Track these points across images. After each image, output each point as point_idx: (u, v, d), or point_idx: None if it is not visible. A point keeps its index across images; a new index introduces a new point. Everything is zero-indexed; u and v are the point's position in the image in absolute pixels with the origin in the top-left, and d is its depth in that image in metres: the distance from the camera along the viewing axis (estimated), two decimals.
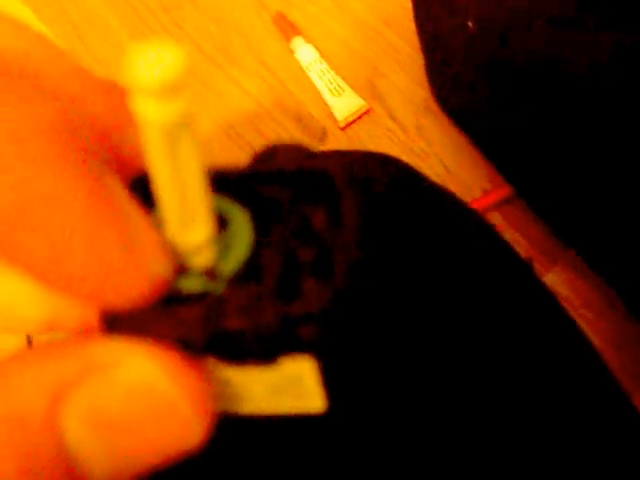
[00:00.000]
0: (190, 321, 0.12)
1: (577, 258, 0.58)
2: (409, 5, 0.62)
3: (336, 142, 0.65)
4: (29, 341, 0.54)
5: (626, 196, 0.45)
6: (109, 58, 0.73)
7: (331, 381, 0.14)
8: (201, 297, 0.12)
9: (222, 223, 0.13)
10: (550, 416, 0.28)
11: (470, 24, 0.54)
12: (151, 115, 0.10)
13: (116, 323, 0.12)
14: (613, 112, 0.43)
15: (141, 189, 0.13)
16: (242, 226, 0.13)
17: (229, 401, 0.14)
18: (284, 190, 0.13)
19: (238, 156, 0.65)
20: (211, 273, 0.13)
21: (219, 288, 0.12)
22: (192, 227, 0.12)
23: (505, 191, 0.61)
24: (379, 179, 0.32)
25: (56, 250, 0.11)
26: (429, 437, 0.27)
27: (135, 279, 0.12)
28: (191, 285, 0.13)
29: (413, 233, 0.30)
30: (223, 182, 0.13)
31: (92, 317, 0.13)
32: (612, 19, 0.41)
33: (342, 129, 0.66)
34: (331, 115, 0.66)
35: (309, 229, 0.13)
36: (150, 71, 0.10)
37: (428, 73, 0.64)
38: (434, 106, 0.65)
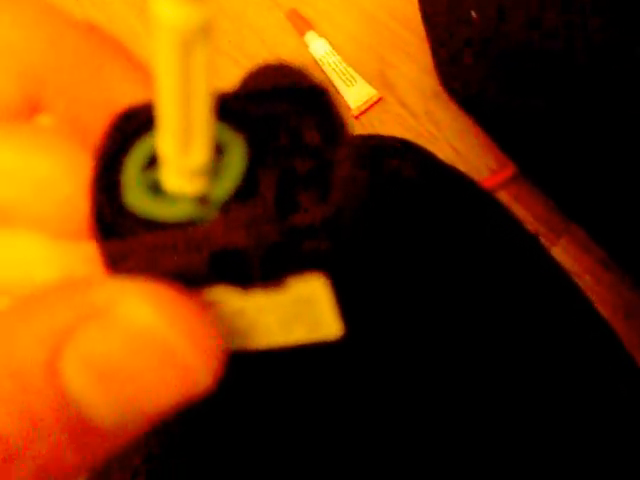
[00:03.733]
0: (190, 245, 0.12)
1: (581, 232, 0.60)
2: None
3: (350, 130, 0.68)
4: None
5: (628, 170, 0.47)
6: None
7: (345, 301, 0.13)
8: (192, 224, 0.12)
9: (216, 148, 0.12)
10: (560, 382, 0.29)
11: (474, 13, 0.56)
12: (172, 18, 0.10)
13: (118, 262, 0.12)
14: (613, 91, 0.45)
15: (134, 123, 0.13)
16: (235, 151, 0.12)
17: (240, 336, 0.14)
18: (275, 107, 0.13)
19: None
20: (203, 199, 0.12)
21: (210, 214, 0.12)
22: (192, 149, 0.12)
23: (511, 170, 0.64)
24: (398, 161, 0.35)
25: None
26: (444, 365, 0.28)
27: None
28: (180, 211, 0.12)
29: (425, 208, 0.33)
30: (215, 104, 0.12)
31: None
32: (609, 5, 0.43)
33: (356, 117, 0.69)
34: (345, 104, 0.70)
35: (303, 144, 0.12)
36: None
37: (435, 62, 0.67)
38: (442, 92, 0.69)
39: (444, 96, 0.68)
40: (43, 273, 0.13)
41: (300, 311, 0.13)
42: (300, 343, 0.14)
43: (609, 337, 0.33)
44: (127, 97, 0.13)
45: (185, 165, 0.12)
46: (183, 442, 0.27)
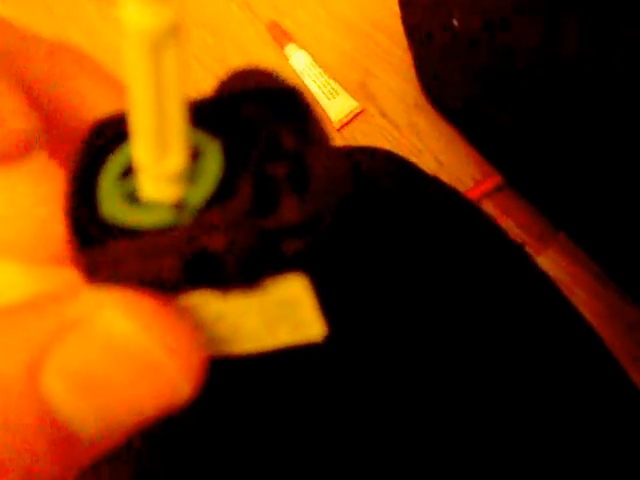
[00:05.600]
0: (165, 249, 0.12)
1: (568, 242, 0.60)
2: (397, 8, 0.65)
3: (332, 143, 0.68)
4: None
5: (614, 176, 0.47)
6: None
7: (327, 302, 0.13)
8: (168, 230, 0.12)
9: (192, 154, 0.12)
10: (547, 393, 0.29)
11: (455, 22, 0.56)
12: (140, 20, 0.10)
13: (95, 271, 0.12)
14: (598, 99, 0.45)
15: (113, 131, 0.13)
16: (211, 156, 0.12)
17: (223, 342, 0.14)
18: (250, 111, 0.13)
19: None
20: (179, 205, 0.12)
21: (186, 220, 0.12)
22: (168, 155, 0.12)
23: (495, 180, 0.63)
24: (378, 171, 0.34)
25: None
26: (426, 365, 0.28)
27: None
28: (157, 218, 0.12)
29: (408, 220, 0.32)
30: (190, 110, 0.12)
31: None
32: (594, 10, 0.43)
33: (337, 130, 0.68)
34: (326, 117, 0.69)
35: (279, 146, 0.12)
36: None
37: (417, 72, 0.67)
38: (425, 104, 0.68)
39: (427, 107, 0.68)
40: (17, 300, 0.13)
41: (282, 313, 0.13)
42: (284, 346, 0.14)
43: (596, 346, 0.33)
44: (99, 109, 0.13)
45: (161, 171, 0.12)
46: (166, 449, 0.27)
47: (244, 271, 0.12)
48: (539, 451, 0.28)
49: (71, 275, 0.12)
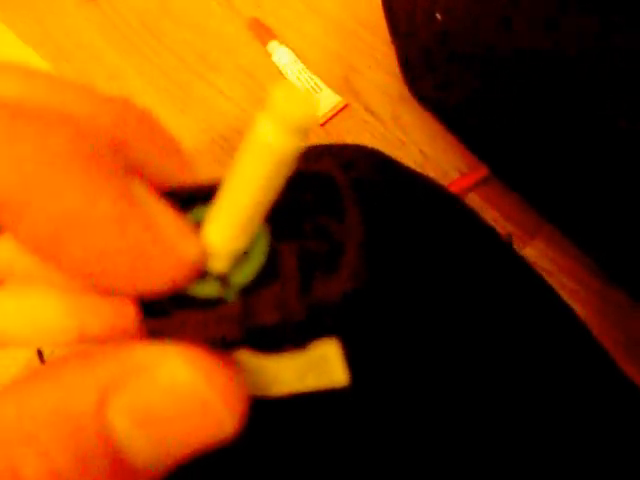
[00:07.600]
0: (227, 321, 0.13)
1: (554, 231, 0.60)
2: (379, 3, 0.65)
3: (316, 138, 0.68)
4: (40, 355, 0.56)
5: (599, 165, 0.47)
6: (95, 74, 0.75)
7: (353, 358, 0.15)
8: (215, 302, 0.13)
9: None
10: (536, 383, 0.29)
11: (438, 16, 0.56)
12: (275, 142, 0.11)
13: (156, 329, 0.14)
14: (583, 89, 0.45)
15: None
16: (261, 237, 0.14)
17: (261, 387, 0.16)
18: (296, 193, 0.14)
19: (222, 159, 0.68)
20: (224, 280, 0.14)
21: (230, 296, 0.13)
22: (239, 239, 0.13)
23: (481, 172, 0.64)
24: (361, 168, 0.34)
25: (92, 248, 0.13)
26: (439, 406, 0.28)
27: (164, 261, 0.13)
28: (206, 291, 0.14)
29: (392, 218, 0.32)
30: None
31: (119, 325, 0.14)
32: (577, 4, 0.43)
33: (321, 125, 0.68)
34: None
35: (318, 227, 0.14)
36: (297, 107, 0.11)
37: (400, 65, 0.67)
38: (409, 97, 0.68)
39: (411, 100, 0.68)
40: (59, 327, 0.14)
41: (314, 366, 0.15)
42: (311, 390, 0.16)
43: (584, 336, 0.33)
44: (163, 174, 0.15)
45: (227, 251, 0.13)
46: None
47: (293, 339, 0.14)
48: (529, 444, 0.28)
49: (102, 303, 0.14)
